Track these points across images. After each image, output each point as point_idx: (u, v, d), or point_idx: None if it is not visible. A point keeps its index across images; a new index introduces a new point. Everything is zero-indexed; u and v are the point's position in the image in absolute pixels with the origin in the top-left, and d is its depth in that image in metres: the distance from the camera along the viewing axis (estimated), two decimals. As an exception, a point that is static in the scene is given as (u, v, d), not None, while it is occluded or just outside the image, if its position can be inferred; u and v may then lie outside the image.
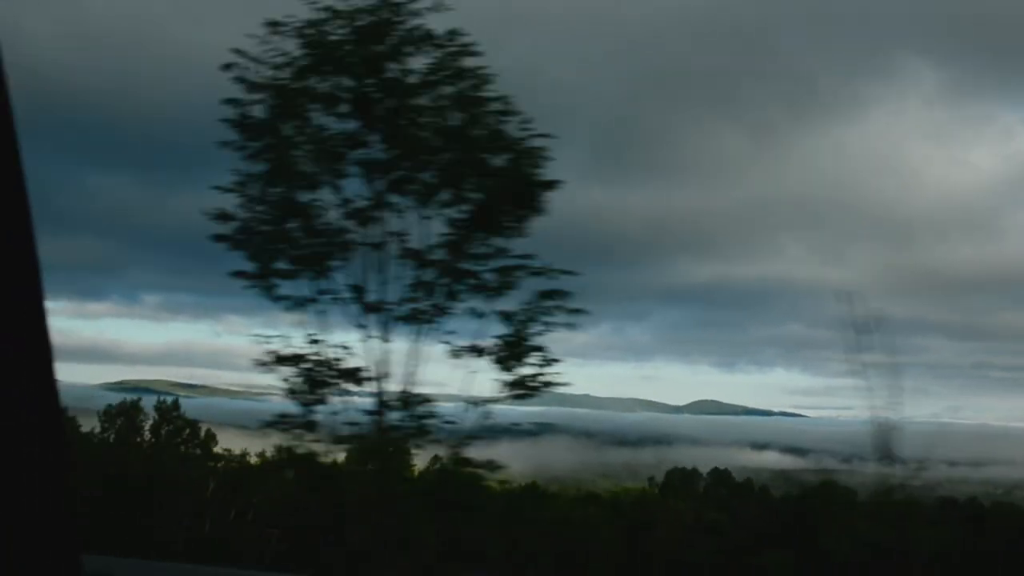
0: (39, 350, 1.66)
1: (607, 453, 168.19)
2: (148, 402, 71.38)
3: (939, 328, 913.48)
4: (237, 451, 58.52)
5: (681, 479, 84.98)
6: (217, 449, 59.68)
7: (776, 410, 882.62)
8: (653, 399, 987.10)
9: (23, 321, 1.63)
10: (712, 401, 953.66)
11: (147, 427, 60.12)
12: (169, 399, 63.69)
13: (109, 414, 59.54)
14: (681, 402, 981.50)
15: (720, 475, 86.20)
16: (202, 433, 60.08)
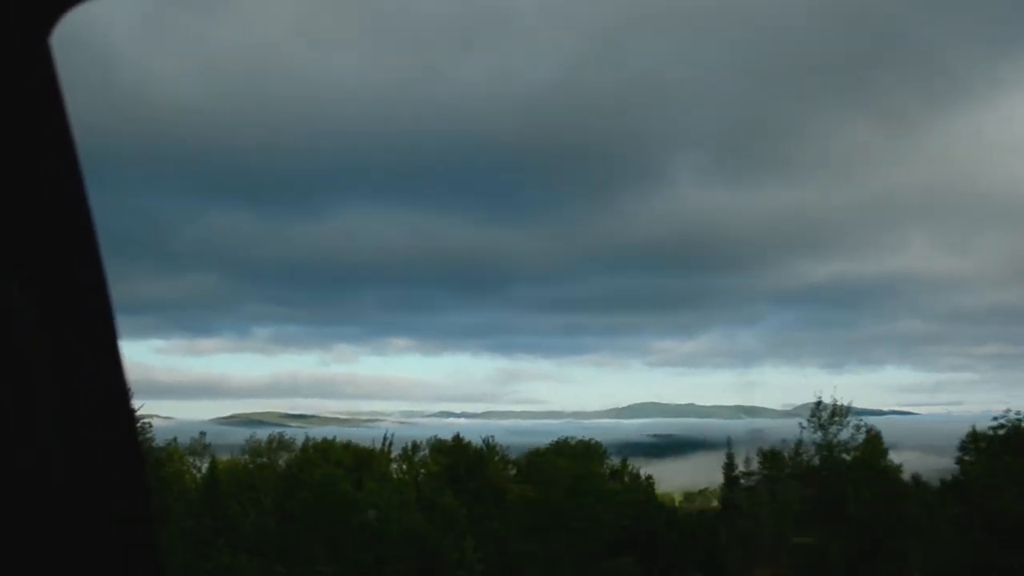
0: (116, 389, 1.72)
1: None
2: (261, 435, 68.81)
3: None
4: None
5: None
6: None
7: (886, 409, 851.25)
8: (759, 405, 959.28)
9: (98, 361, 1.70)
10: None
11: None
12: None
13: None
14: (788, 406, 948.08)
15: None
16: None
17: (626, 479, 57.92)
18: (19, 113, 1.65)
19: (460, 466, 54.47)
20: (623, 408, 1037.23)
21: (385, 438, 53.64)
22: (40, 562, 1.57)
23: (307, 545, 43.11)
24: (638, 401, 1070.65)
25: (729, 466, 60.23)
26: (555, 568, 50.06)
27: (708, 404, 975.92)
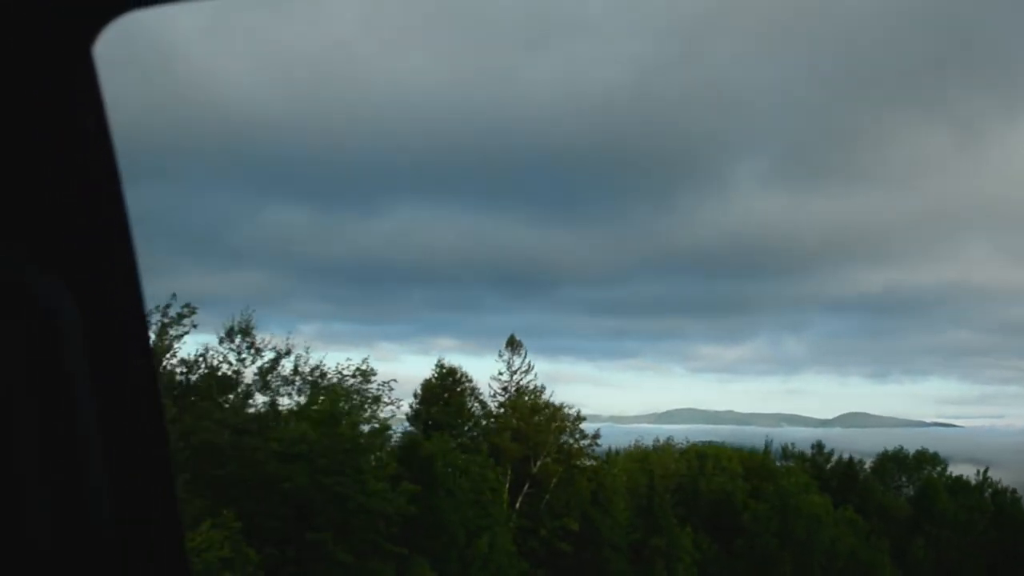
0: (147, 389, 1.72)
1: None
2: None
3: None
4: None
5: None
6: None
7: (928, 420, 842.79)
8: (798, 413, 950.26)
9: (130, 359, 1.69)
10: (861, 413, 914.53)
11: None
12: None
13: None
14: (828, 415, 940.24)
15: None
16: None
17: (988, 492, 53.01)
18: (58, 124, 1.65)
19: (827, 477, 49.78)
20: (662, 413, 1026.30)
21: (766, 444, 48.90)
22: (64, 559, 1.54)
23: (767, 565, 38.31)
24: (677, 407, 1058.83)
25: None
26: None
27: (747, 411, 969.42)
